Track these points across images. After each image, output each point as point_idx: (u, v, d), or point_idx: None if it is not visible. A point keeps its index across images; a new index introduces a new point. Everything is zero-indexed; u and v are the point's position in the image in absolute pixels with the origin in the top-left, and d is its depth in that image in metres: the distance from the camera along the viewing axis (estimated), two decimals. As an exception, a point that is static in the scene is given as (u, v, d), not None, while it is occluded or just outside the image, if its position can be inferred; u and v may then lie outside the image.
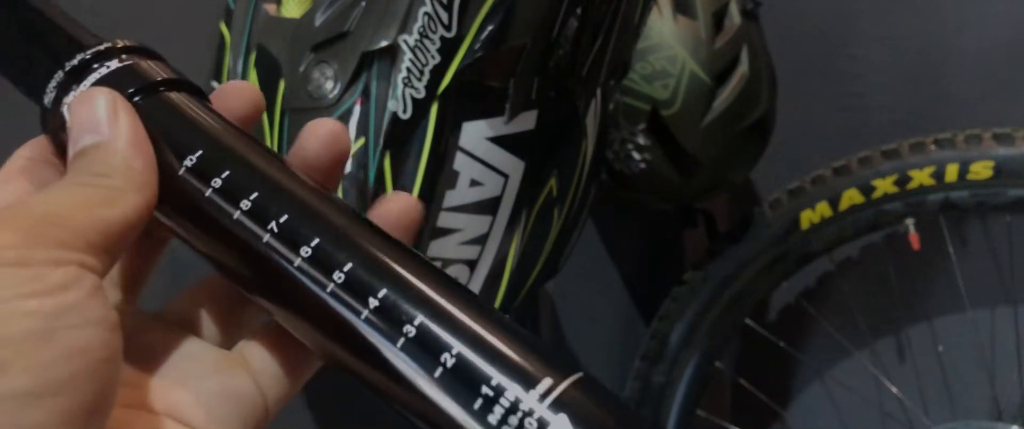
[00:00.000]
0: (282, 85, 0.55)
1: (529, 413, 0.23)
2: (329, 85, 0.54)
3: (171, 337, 0.29)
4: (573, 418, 0.23)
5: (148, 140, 0.27)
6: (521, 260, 0.60)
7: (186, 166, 0.27)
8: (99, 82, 0.28)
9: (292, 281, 0.26)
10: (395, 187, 0.54)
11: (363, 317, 0.25)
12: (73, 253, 0.23)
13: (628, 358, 1.13)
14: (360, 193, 0.53)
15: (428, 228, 0.55)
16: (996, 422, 1.15)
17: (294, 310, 0.27)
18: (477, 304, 0.26)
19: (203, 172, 0.27)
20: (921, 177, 0.99)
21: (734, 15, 0.94)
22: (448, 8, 0.52)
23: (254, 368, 0.29)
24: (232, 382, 0.28)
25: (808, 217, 1.03)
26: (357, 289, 0.26)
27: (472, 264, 0.57)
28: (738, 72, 0.93)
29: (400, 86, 0.53)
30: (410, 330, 0.25)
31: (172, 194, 0.27)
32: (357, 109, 0.53)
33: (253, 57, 0.57)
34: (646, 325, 1.13)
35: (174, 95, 0.29)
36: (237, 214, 0.27)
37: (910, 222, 1.01)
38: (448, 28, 0.52)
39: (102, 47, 0.29)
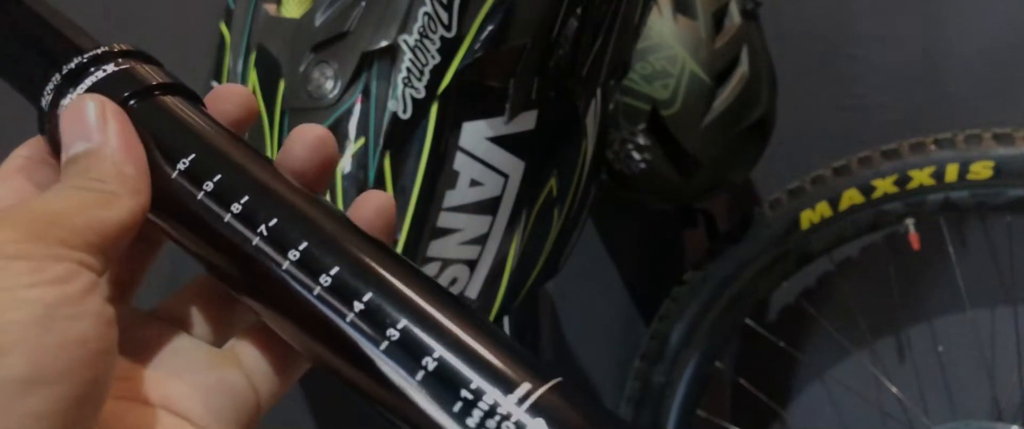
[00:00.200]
0: (282, 85, 0.55)
1: (507, 416, 0.24)
2: (329, 85, 0.54)
3: (165, 333, 0.29)
4: (550, 422, 0.24)
5: (139, 144, 0.28)
6: (521, 260, 0.60)
7: (179, 169, 0.28)
8: (94, 86, 0.29)
9: (280, 283, 0.27)
10: (395, 187, 0.54)
11: (348, 320, 0.26)
12: (72, 251, 0.24)
13: (628, 358, 1.13)
14: (360, 193, 0.53)
15: (428, 228, 0.55)
16: (996, 422, 1.15)
17: (281, 312, 0.28)
18: (460, 309, 0.26)
19: (195, 175, 0.28)
20: (921, 177, 0.99)
21: (734, 15, 0.94)
22: (448, 8, 0.52)
23: (245, 366, 0.29)
24: (225, 376, 0.29)
25: (808, 217, 1.03)
26: (343, 292, 0.26)
27: (472, 264, 0.57)
28: (738, 72, 0.93)
29: (400, 86, 0.53)
30: (394, 334, 0.25)
31: (165, 196, 0.28)
32: (357, 109, 0.53)
33: (253, 57, 0.57)
34: (646, 325, 1.13)
35: (169, 99, 0.29)
36: (228, 217, 0.27)
37: (910, 222, 1.01)
38: (448, 28, 0.52)
39: (99, 51, 0.29)
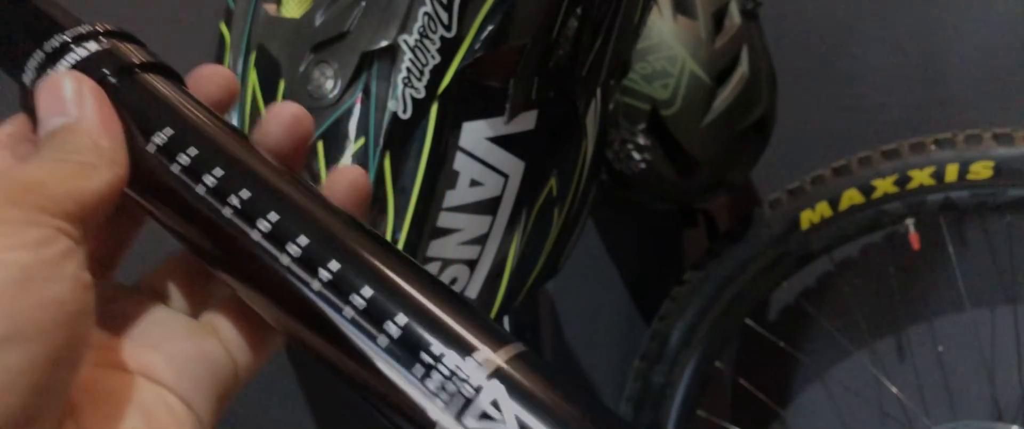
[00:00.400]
0: (282, 85, 0.55)
1: (465, 380, 0.25)
2: (329, 85, 0.54)
3: (144, 306, 0.30)
4: (508, 386, 0.25)
5: (116, 119, 0.28)
6: (521, 260, 0.60)
7: (155, 144, 0.28)
8: (76, 64, 0.29)
9: (250, 255, 0.28)
10: (395, 187, 0.54)
11: (314, 289, 0.27)
12: (50, 218, 0.25)
13: (628, 358, 1.13)
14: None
15: (428, 228, 0.55)
16: (996, 422, 1.15)
17: (252, 284, 0.28)
18: (426, 278, 0.27)
19: (171, 150, 0.28)
20: (921, 177, 0.99)
21: (734, 15, 0.94)
22: (448, 8, 0.52)
23: (222, 337, 0.30)
24: (203, 345, 0.29)
25: (808, 217, 1.03)
26: (309, 263, 0.27)
27: (472, 264, 0.57)
28: (738, 72, 0.93)
29: (400, 86, 0.53)
30: (359, 301, 0.26)
31: (142, 171, 0.29)
32: (357, 109, 0.53)
33: (253, 57, 0.57)
34: (646, 325, 1.13)
35: (148, 77, 0.30)
36: (201, 190, 0.28)
37: (910, 222, 1.01)
38: (448, 28, 0.52)
39: (81, 30, 0.30)
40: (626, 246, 1.19)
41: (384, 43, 0.53)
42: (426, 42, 0.52)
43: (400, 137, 0.53)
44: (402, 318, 0.26)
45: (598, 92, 0.62)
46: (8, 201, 0.24)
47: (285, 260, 0.27)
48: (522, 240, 0.59)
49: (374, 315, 0.26)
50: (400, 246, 0.54)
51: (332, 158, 0.54)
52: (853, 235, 1.04)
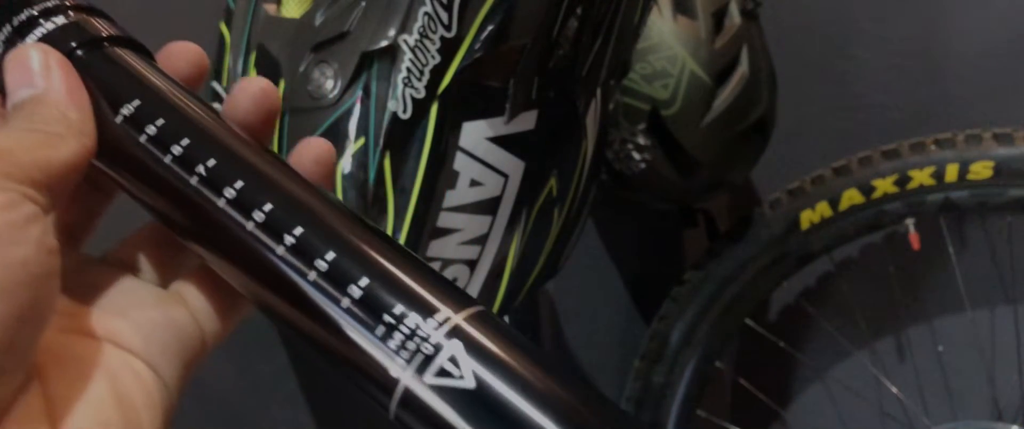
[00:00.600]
0: (282, 85, 0.55)
1: (426, 338, 0.26)
2: (329, 85, 0.54)
3: (113, 276, 0.30)
4: (467, 345, 0.25)
5: (83, 90, 0.29)
6: (521, 260, 0.60)
7: (123, 115, 0.29)
8: (44, 37, 0.30)
9: (216, 221, 0.28)
10: (395, 187, 0.54)
11: (279, 254, 0.27)
12: (16, 185, 0.25)
13: (628, 358, 1.13)
14: (360, 193, 0.53)
15: (428, 228, 0.55)
16: (996, 422, 1.15)
17: (218, 250, 0.29)
18: (388, 242, 0.28)
19: (139, 120, 0.29)
20: (921, 177, 0.99)
21: (734, 15, 0.94)
22: (448, 8, 0.52)
23: (190, 305, 0.30)
24: (171, 313, 0.30)
25: (808, 217, 1.03)
26: (274, 228, 0.27)
27: (472, 264, 0.57)
28: (738, 72, 0.93)
29: (400, 86, 0.53)
30: (322, 264, 0.27)
31: (110, 141, 0.29)
32: (357, 109, 0.53)
33: (253, 57, 0.57)
34: (646, 325, 1.13)
35: (116, 50, 0.30)
36: (168, 159, 0.28)
37: (910, 222, 1.01)
38: (448, 28, 0.52)
39: (50, 4, 0.30)
40: (626, 246, 1.19)
41: (384, 43, 0.53)
42: (426, 42, 0.52)
43: (400, 137, 0.53)
44: (364, 280, 0.26)
45: (598, 92, 0.62)
46: None
47: (250, 226, 0.28)
48: (522, 240, 0.59)
49: (337, 278, 0.27)
50: (400, 246, 0.54)
51: (332, 158, 0.54)
52: (853, 235, 1.04)
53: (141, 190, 0.29)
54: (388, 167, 0.53)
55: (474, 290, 0.58)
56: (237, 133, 0.30)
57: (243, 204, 0.28)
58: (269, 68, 0.56)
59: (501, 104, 0.55)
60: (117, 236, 0.32)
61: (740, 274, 1.06)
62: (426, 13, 0.52)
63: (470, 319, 0.26)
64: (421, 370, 0.25)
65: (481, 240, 0.57)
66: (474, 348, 0.25)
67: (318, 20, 0.54)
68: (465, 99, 0.54)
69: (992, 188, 0.97)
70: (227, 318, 0.31)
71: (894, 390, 1.17)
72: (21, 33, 0.30)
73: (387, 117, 0.53)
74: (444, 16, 0.52)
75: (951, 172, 0.98)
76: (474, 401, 0.25)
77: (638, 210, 1.09)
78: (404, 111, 0.53)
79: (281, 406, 0.86)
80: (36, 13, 0.30)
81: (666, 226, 1.24)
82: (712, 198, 1.07)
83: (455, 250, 0.56)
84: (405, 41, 0.52)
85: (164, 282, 0.31)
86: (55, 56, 0.29)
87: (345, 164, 0.53)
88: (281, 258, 0.27)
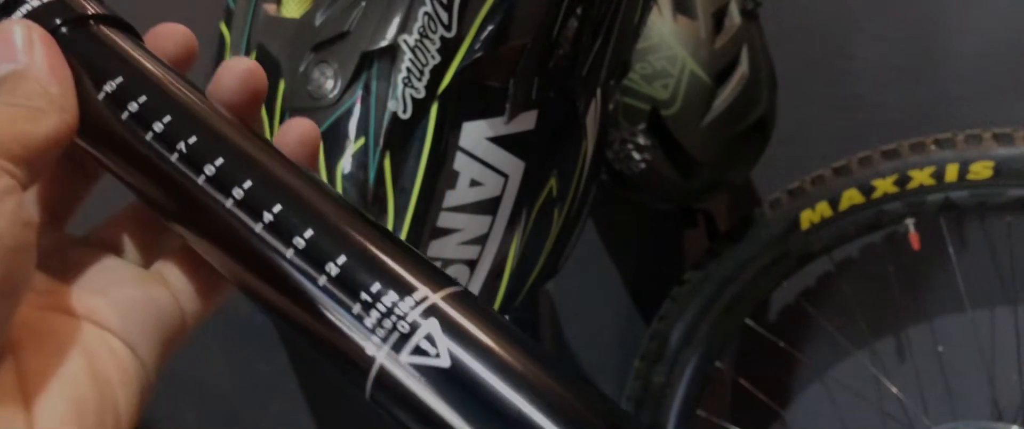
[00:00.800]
0: (282, 85, 0.55)
1: (402, 317, 0.26)
2: (329, 85, 0.54)
3: (94, 255, 0.30)
4: (443, 323, 0.25)
5: (66, 66, 0.29)
6: (521, 260, 0.60)
7: (105, 92, 0.29)
8: (29, 14, 0.30)
9: (196, 199, 0.28)
10: (395, 187, 0.54)
11: (257, 231, 0.27)
12: None
13: (628, 358, 1.13)
14: (360, 193, 0.53)
15: (428, 228, 0.55)
16: (996, 422, 1.15)
17: (198, 228, 0.29)
18: (369, 222, 0.28)
19: (121, 98, 0.29)
20: (921, 177, 0.99)
21: (734, 15, 0.94)
22: (448, 8, 0.52)
23: (171, 285, 0.30)
24: (151, 292, 0.30)
25: (808, 217, 1.03)
26: (253, 206, 0.27)
27: (472, 264, 0.57)
28: (738, 72, 0.93)
29: (400, 86, 0.53)
30: (300, 242, 0.27)
31: (92, 119, 0.29)
32: (357, 109, 0.53)
33: (253, 57, 0.57)
34: (646, 325, 1.13)
35: (101, 28, 0.30)
36: (149, 136, 0.28)
37: (910, 222, 1.01)
38: (448, 28, 0.52)
39: None
40: (626, 246, 1.19)
41: (384, 43, 0.53)
42: (426, 42, 0.52)
43: (400, 137, 0.53)
44: (342, 258, 0.26)
45: (598, 92, 0.62)
46: None
47: (229, 204, 0.27)
48: (522, 240, 0.59)
49: (314, 256, 0.27)
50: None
51: (332, 158, 0.54)
52: (853, 235, 1.04)
53: (123, 168, 0.29)
54: (388, 167, 0.53)
55: (474, 290, 0.58)
56: (220, 112, 0.30)
57: (222, 182, 0.28)
58: (269, 68, 0.56)
59: (501, 104, 0.55)
60: (103, 217, 0.32)
61: (740, 274, 1.06)
62: (426, 13, 0.52)
63: (448, 298, 0.26)
64: (397, 348, 0.25)
65: (481, 240, 0.57)
66: (451, 327, 0.25)
67: (318, 20, 0.54)
68: (465, 99, 0.54)
69: (992, 188, 0.97)
70: (208, 299, 0.31)
71: (894, 390, 1.17)
72: (7, 10, 0.30)
73: (387, 117, 0.53)
74: (444, 16, 0.52)
75: (951, 172, 0.98)
76: (449, 380, 0.25)
77: (638, 210, 1.09)
78: (404, 111, 0.53)
79: (280, 406, 0.86)
80: None
81: (666, 226, 1.24)
82: (712, 198, 1.07)
83: (455, 250, 0.56)
84: (405, 41, 0.52)
85: (147, 262, 0.31)
86: (38, 32, 0.29)
87: (345, 164, 0.53)
88: (258, 236, 0.27)
